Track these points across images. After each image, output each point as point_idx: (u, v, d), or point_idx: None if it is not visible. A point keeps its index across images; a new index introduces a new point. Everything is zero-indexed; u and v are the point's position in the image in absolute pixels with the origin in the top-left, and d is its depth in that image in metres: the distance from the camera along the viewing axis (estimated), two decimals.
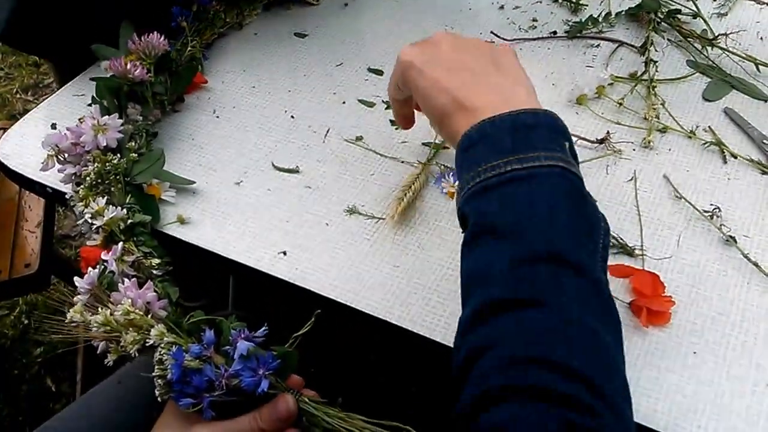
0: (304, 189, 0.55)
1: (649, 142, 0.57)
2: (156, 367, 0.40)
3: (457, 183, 0.39)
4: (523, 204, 0.34)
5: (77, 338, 0.40)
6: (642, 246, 0.49)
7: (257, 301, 0.90)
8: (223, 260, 0.50)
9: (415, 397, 0.94)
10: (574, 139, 0.56)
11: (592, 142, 0.57)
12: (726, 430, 0.40)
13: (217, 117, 0.63)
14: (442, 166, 0.56)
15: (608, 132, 0.57)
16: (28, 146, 0.60)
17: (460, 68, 0.41)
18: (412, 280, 0.48)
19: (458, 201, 0.38)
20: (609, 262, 0.48)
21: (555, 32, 0.71)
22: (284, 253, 0.50)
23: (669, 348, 0.43)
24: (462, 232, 0.38)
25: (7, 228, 0.92)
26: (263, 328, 0.41)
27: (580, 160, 0.55)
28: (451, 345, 0.44)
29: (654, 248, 0.49)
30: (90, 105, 0.59)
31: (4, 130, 1.06)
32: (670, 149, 0.57)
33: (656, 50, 0.67)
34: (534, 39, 0.70)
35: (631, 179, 0.55)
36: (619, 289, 0.47)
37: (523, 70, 0.42)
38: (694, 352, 0.43)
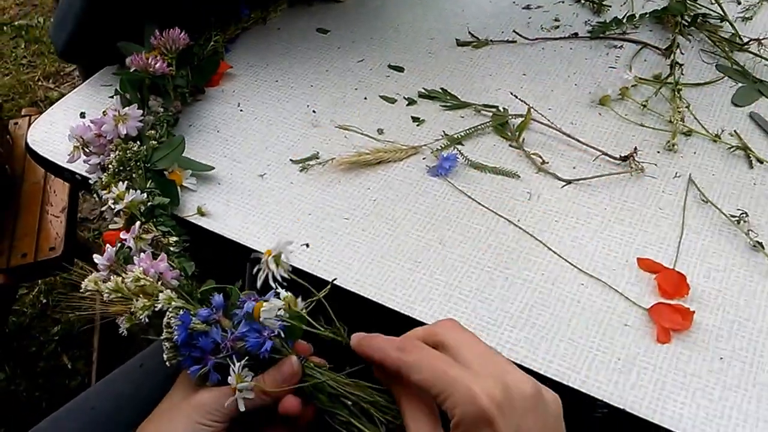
0: (326, 183, 0.55)
1: (673, 145, 0.57)
2: (164, 330, 0.39)
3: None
4: None
5: (93, 315, 0.40)
6: (678, 250, 0.49)
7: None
8: (246, 250, 0.50)
9: None
10: (597, 154, 0.55)
11: (616, 158, 0.55)
12: None
13: (241, 110, 0.63)
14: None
15: (635, 148, 0.55)
16: (57, 134, 0.60)
17: None
18: (433, 276, 0.48)
19: None
20: (639, 256, 0.47)
21: (576, 33, 0.71)
22: (307, 245, 0.50)
23: (695, 352, 0.43)
24: None
25: (32, 212, 0.93)
26: (270, 292, 0.39)
27: (606, 172, 0.54)
28: None
29: (680, 251, 0.49)
30: (112, 97, 0.59)
31: (30, 116, 1.08)
32: (695, 152, 0.57)
33: (682, 53, 0.67)
34: (556, 39, 0.70)
35: (657, 179, 0.54)
36: (643, 290, 0.46)
37: None
38: (721, 358, 0.43)
